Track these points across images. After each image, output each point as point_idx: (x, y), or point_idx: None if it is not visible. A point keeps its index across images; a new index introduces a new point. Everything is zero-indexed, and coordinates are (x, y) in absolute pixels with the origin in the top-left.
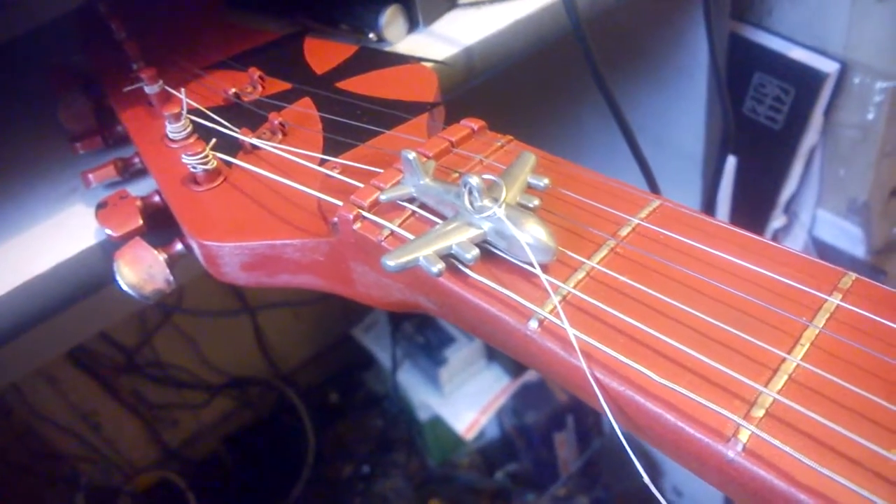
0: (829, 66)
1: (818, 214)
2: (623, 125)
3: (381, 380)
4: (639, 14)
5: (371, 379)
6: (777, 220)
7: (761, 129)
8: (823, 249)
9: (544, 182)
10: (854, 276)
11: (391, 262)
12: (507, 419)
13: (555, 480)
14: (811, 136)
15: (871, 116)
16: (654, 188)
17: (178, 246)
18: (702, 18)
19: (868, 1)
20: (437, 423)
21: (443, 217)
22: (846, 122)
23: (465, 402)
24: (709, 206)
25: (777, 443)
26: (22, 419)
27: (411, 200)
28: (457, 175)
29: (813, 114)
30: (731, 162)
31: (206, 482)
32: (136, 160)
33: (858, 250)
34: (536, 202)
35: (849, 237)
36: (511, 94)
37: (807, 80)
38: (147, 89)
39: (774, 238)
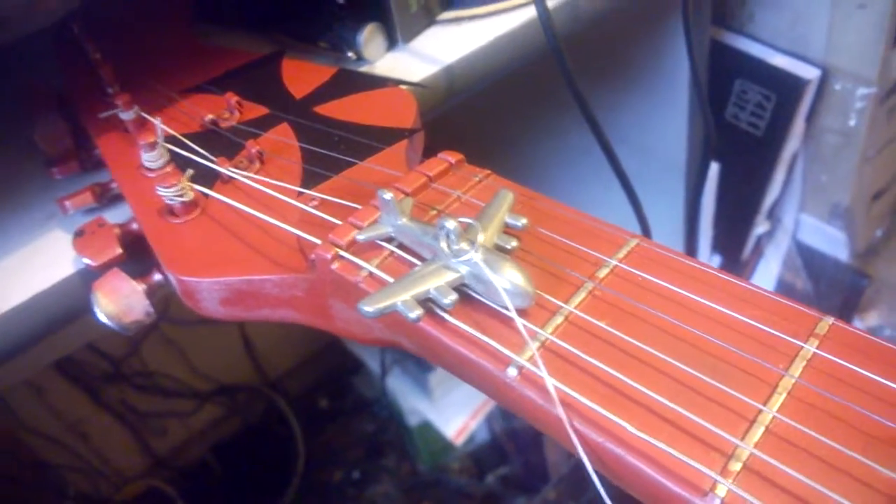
0: (810, 73)
1: (802, 219)
2: (602, 141)
3: (371, 385)
4: (619, 22)
5: (360, 384)
6: (761, 226)
7: (743, 136)
8: (808, 254)
9: (522, 222)
10: (831, 320)
11: (368, 307)
12: (496, 423)
13: (545, 484)
14: (793, 142)
15: (852, 122)
16: (634, 202)
17: (157, 276)
18: (682, 26)
19: (849, 7)
20: (427, 428)
21: (421, 257)
22: (828, 128)
23: (454, 407)
24: (692, 213)
25: (752, 499)
26: (8, 429)
27: (389, 240)
28: (434, 213)
29: (795, 120)
30: (713, 169)
31: (196, 490)
32: (114, 185)
33: (842, 254)
34: (514, 243)
35: (832, 241)
36: (493, 105)
37: (788, 87)
38: (122, 115)
39: (758, 244)
